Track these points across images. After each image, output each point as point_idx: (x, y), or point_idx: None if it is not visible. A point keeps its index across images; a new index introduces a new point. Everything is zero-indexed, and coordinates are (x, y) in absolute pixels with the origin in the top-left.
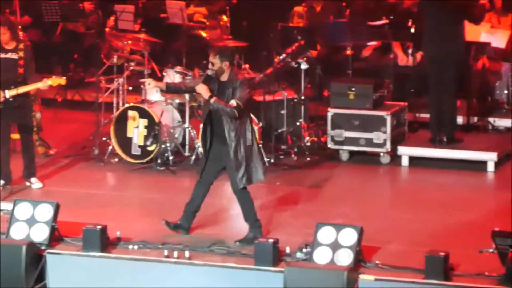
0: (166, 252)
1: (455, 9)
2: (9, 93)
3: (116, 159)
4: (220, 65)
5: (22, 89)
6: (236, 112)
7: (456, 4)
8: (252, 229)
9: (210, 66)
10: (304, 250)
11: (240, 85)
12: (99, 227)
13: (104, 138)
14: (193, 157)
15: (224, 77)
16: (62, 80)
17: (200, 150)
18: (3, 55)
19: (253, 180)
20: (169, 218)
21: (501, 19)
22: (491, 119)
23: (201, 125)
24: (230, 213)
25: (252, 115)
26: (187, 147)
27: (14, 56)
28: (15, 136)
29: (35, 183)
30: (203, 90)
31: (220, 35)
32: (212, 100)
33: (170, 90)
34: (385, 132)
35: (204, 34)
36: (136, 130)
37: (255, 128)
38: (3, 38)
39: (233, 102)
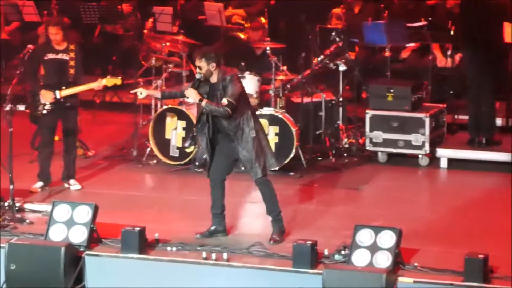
0: (204, 254)
1: (494, 10)
2: (60, 94)
3: (154, 161)
4: (207, 67)
5: (74, 90)
6: (229, 110)
7: (496, 5)
8: (274, 223)
9: (197, 70)
10: (343, 252)
11: (229, 82)
12: (137, 228)
13: (142, 140)
14: None
15: (214, 79)
16: (117, 80)
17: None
18: (53, 56)
19: (267, 168)
20: (207, 220)
21: None
22: None
23: (196, 127)
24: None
25: (289, 117)
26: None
27: (65, 57)
28: (56, 138)
29: (74, 185)
30: (192, 94)
31: (261, 36)
32: (203, 103)
33: (165, 97)
34: (423, 134)
35: (242, 35)
36: (174, 131)
37: (293, 130)
38: (55, 38)
39: (224, 101)
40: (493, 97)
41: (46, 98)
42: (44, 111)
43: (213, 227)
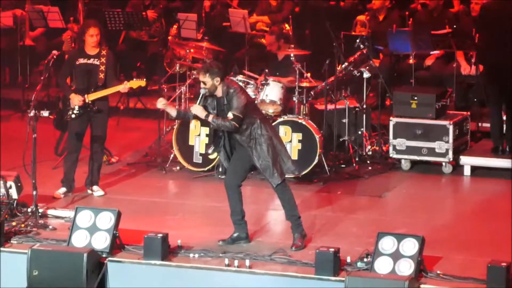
0: (227, 261)
1: None
2: (88, 97)
3: (178, 167)
4: (212, 82)
5: (102, 93)
6: (235, 124)
7: None
8: (294, 228)
9: (202, 85)
10: (365, 259)
11: (233, 95)
12: (160, 235)
13: (166, 147)
14: None
15: (219, 93)
16: (142, 82)
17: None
18: (84, 61)
19: (284, 172)
20: (230, 227)
21: None
22: None
23: (218, 139)
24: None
25: (312, 123)
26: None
27: (96, 62)
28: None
29: (97, 191)
30: (198, 110)
31: (276, 41)
32: (210, 119)
33: (180, 117)
34: (447, 142)
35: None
36: (198, 138)
37: (317, 137)
38: (92, 40)
39: (229, 115)
40: None
41: (75, 101)
42: (73, 116)
43: (235, 234)
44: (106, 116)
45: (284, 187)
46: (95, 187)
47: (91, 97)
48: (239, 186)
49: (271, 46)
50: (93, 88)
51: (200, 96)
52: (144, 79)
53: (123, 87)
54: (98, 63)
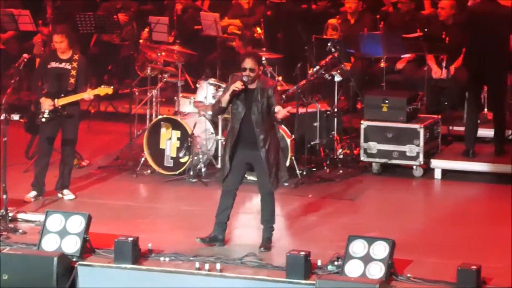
0: (197, 264)
1: (500, 20)
2: (58, 102)
3: (149, 171)
4: (258, 71)
5: (69, 99)
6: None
7: (502, 14)
8: (267, 232)
9: (247, 72)
10: (336, 263)
11: (275, 91)
12: (130, 239)
13: (137, 150)
14: None
15: (254, 84)
16: (109, 90)
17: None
18: (56, 65)
19: (280, 182)
20: (201, 230)
21: None
22: None
23: (228, 138)
24: (261, 225)
25: (284, 127)
26: (219, 159)
27: (67, 66)
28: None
29: (67, 195)
30: (282, 112)
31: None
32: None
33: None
34: (418, 145)
35: None
36: (169, 141)
37: (288, 140)
38: (60, 46)
39: (279, 108)
40: (504, 108)
41: (46, 106)
42: (43, 119)
43: (214, 235)
44: (77, 120)
45: (273, 195)
46: (65, 191)
47: (60, 102)
48: (236, 191)
49: (239, 49)
50: (63, 93)
51: (244, 84)
52: (112, 87)
53: (87, 95)
54: (69, 67)
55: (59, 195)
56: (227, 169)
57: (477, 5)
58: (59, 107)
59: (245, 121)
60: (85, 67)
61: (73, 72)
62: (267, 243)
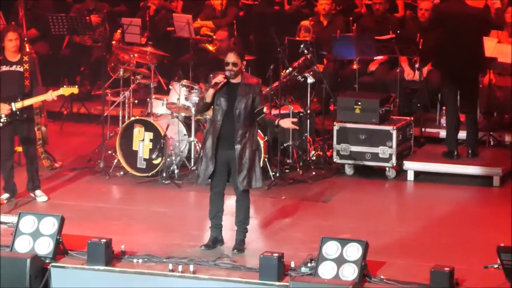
0: (171, 266)
1: (470, 23)
2: (15, 106)
3: (122, 173)
4: (241, 66)
5: (29, 101)
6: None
7: (474, 15)
8: (241, 234)
9: (230, 67)
10: (309, 264)
11: (259, 89)
12: (103, 240)
13: (109, 151)
14: None
15: (237, 79)
16: (74, 89)
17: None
18: (6, 68)
19: (252, 184)
20: (174, 232)
21: None
22: (497, 134)
23: (208, 136)
24: (234, 226)
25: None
26: (192, 160)
27: (19, 68)
28: (19, 149)
29: (40, 196)
30: (288, 123)
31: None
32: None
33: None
34: (391, 147)
35: (210, 47)
36: (142, 143)
37: (261, 142)
38: (11, 45)
39: (265, 109)
40: (476, 110)
41: (3, 110)
42: (0, 124)
43: (214, 236)
44: (32, 120)
45: (247, 195)
46: (38, 192)
47: (18, 105)
48: (224, 190)
49: (222, 43)
50: (20, 97)
51: (227, 78)
52: (76, 86)
53: (48, 97)
54: (21, 69)
55: (32, 195)
56: (210, 169)
57: (444, 4)
58: (17, 111)
59: (227, 116)
60: (36, 68)
61: (27, 74)
62: (240, 245)
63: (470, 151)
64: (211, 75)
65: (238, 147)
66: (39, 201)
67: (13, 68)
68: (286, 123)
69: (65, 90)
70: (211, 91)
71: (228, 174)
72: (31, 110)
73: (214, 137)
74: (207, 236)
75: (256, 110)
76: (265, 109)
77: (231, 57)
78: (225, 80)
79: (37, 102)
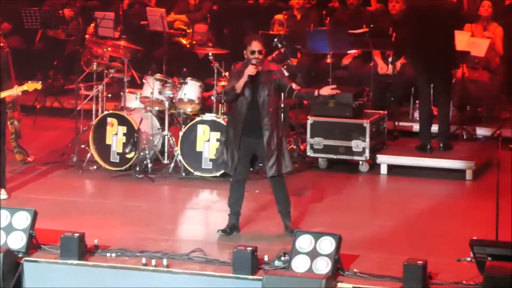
0: (144, 260)
1: (445, 15)
2: None
3: (95, 167)
4: (264, 53)
5: None
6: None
7: (447, 10)
8: (284, 218)
9: (256, 55)
10: (283, 258)
11: (283, 74)
12: (76, 235)
13: (83, 146)
14: (172, 164)
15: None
16: (38, 85)
17: (180, 157)
18: None
19: (282, 169)
20: (148, 226)
21: (488, 27)
22: (470, 128)
23: (232, 125)
24: (208, 220)
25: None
26: (166, 154)
27: None
28: None
29: (1, 194)
30: (328, 90)
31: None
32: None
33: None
34: (364, 141)
35: (184, 41)
36: (115, 137)
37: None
38: None
39: (294, 86)
40: (450, 104)
41: None
42: None
43: (232, 223)
44: (2, 114)
45: (281, 182)
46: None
47: None
48: (246, 180)
49: (203, 36)
50: None
51: (256, 69)
52: (40, 82)
53: (13, 92)
54: None
55: None
56: (236, 157)
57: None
58: None
59: (251, 105)
60: (7, 62)
61: None
62: (290, 230)
63: (441, 144)
64: (233, 67)
65: (266, 133)
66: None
67: None
68: (327, 90)
69: (29, 86)
70: (242, 82)
71: (251, 163)
72: (3, 104)
73: (239, 125)
74: (181, 230)
75: (286, 90)
76: (294, 86)
77: (256, 45)
78: (257, 69)
79: (4, 96)
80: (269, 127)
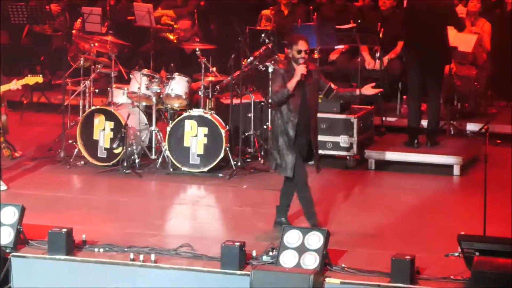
0: (132, 255)
1: (439, 12)
2: None
3: (82, 162)
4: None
5: None
6: None
7: (440, 7)
8: (310, 220)
9: (303, 55)
10: (271, 253)
11: (320, 72)
12: (64, 230)
13: (70, 141)
14: (160, 160)
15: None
16: (39, 78)
17: (167, 153)
18: None
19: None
20: (135, 221)
21: (476, 22)
22: (457, 123)
23: (282, 127)
24: (195, 215)
25: (218, 118)
26: (153, 150)
27: None
28: None
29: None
30: (370, 89)
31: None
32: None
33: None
34: (352, 136)
35: (171, 36)
36: (103, 132)
37: (222, 131)
38: None
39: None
40: (439, 99)
41: None
42: None
43: (282, 219)
44: None
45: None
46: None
47: None
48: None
49: (186, 32)
50: None
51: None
52: (41, 75)
53: (14, 86)
54: None
55: None
56: (292, 161)
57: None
58: None
59: (301, 106)
60: None
61: None
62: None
63: (429, 140)
64: (277, 68)
65: (312, 137)
66: None
67: None
68: (370, 90)
69: (29, 80)
70: (294, 83)
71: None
72: None
73: (292, 126)
74: (169, 225)
75: (324, 91)
76: (332, 86)
77: (303, 45)
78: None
79: (3, 91)
80: (315, 127)
